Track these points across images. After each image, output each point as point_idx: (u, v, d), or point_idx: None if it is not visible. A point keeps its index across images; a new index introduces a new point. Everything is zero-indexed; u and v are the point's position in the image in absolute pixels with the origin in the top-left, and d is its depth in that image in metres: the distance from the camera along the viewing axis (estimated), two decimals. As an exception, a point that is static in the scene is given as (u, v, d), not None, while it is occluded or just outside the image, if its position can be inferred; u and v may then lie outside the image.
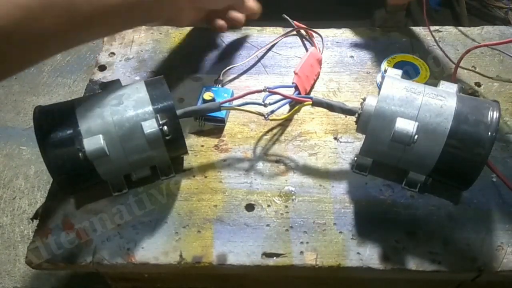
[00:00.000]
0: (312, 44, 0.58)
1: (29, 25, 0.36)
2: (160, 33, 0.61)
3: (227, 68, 0.55)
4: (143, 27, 0.61)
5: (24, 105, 1.00)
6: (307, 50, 0.58)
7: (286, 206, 0.44)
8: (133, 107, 0.41)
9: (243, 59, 0.56)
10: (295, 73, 0.50)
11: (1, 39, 0.35)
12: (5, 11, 0.34)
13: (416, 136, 0.37)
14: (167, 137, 0.41)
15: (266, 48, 0.58)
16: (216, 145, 0.49)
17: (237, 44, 0.59)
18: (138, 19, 0.46)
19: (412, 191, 0.43)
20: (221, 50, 0.59)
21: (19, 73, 0.40)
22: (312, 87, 0.54)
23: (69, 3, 0.37)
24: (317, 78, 0.55)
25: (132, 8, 0.42)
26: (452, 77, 0.52)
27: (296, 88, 0.50)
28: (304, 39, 0.59)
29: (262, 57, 0.57)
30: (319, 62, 0.56)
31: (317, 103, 0.44)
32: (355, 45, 0.59)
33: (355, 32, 0.60)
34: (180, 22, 0.52)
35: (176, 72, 0.56)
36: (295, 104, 0.49)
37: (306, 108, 0.51)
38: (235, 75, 0.55)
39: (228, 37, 0.60)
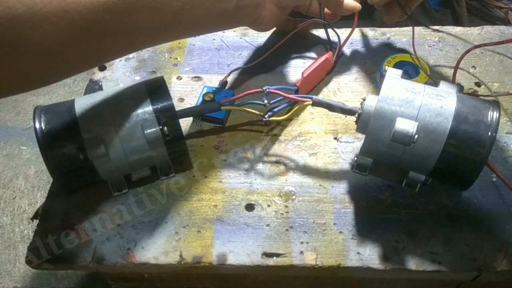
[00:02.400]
0: (330, 46, 0.57)
1: (122, 17, 0.36)
2: (160, 33, 0.61)
3: (233, 69, 0.54)
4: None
5: (24, 105, 1.00)
6: (312, 51, 0.57)
7: (286, 206, 0.44)
8: (133, 107, 0.41)
9: (244, 59, 0.56)
10: (302, 76, 0.50)
11: (99, 29, 0.35)
12: (103, 1, 0.35)
13: (416, 136, 0.37)
14: (167, 137, 0.41)
15: (273, 49, 0.55)
16: (216, 145, 0.49)
17: (238, 44, 0.59)
18: (220, 22, 0.46)
19: (412, 191, 0.43)
20: (222, 50, 0.59)
21: (100, 64, 0.42)
22: (312, 90, 0.54)
23: None
24: (319, 82, 0.54)
25: (219, 8, 0.42)
26: (452, 77, 0.52)
27: (297, 91, 0.49)
28: (311, 39, 0.59)
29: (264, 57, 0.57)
30: (329, 67, 0.55)
31: (317, 103, 0.44)
32: (355, 45, 0.59)
33: (355, 32, 0.60)
34: (264, 24, 0.51)
35: (176, 72, 0.56)
36: (295, 104, 0.49)
37: (306, 108, 0.51)
38: (235, 75, 0.55)
39: (228, 36, 0.60)
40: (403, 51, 0.57)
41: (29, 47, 0.33)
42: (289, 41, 0.56)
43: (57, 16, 0.33)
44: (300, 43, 0.59)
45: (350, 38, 0.59)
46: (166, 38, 0.44)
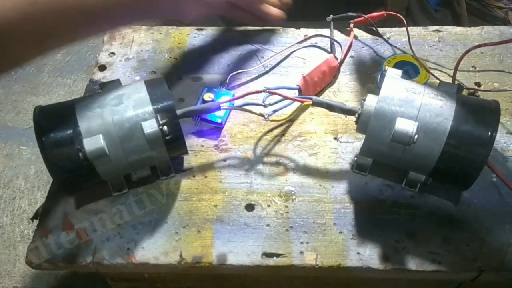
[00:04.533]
0: (332, 50, 0.57)
1: (33, 19, 0.35)
2: (160, 33, 0.61)
3: (235, 72, 0.54)
4: (143, 26, 0.61)
5: (24, 105, 1.00)
6: (316, 55, 0.57)
7: (286, 206, 0.44)
8: (133, 107, 0.41)
9: (245, 59, 0.56)
10: (303, 76, 0.50)
11: (6, 33, 0.34)
12: (12, 4, 0.34)
13: (416, 136, 0.37)
14: (167, 137, 0.41)
15: (276, 54, 0.55)
16: (216, 145, 0.49)
17: (238, 44, 0.59)
18: (140, 13, 0.45)
19: (412, 191, 0.43)
20: (222, 50, 0.59)
21: (15, 69, 0.40)
22: (317, 94, 0.53)
23: None
24: (326, 86, 0.54)
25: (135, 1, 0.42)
26: (452, 77, 0.52)
27: (300, 91, 0.49)
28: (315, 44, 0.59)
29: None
30: (334, 71, 0.54)
31: (317, 103, 0.44)
32: (355, 45, 0.59)
33: (355, 32, 0.60)
34: (183, 16, 0.50)
35: (176, 72, 0.56)
36: (295, 105, 0.49)
37: (306, 108, 0.51)
38: (235, 75, 0.55)
39: (228, 36, 0.60)
40: (403, 51, 0.57)
41: None
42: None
43: None
44: (303, 46, 0.59)
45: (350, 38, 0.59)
46: (81, 37, 0.43)
